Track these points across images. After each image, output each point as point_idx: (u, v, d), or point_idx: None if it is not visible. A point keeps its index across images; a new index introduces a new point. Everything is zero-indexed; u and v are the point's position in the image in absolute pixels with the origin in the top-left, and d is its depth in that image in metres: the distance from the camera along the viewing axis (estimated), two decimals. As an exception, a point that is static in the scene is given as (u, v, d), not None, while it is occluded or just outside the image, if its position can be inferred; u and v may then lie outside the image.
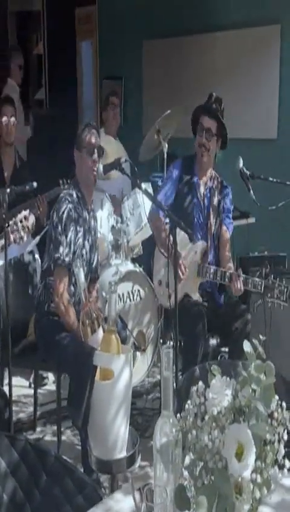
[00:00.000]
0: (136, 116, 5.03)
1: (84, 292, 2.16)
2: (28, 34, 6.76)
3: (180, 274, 2.61)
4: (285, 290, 2.46)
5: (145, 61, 5.08)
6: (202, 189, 2.83)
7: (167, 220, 2.74)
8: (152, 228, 2.96)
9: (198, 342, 2.57)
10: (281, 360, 2.86)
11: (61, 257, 2.34)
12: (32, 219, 2.04)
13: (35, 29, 6.58)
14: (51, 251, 2.37)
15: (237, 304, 2.79)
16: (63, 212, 2.36)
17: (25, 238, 2.02)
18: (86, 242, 2.48)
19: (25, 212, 2.03)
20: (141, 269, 3.23)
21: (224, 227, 2.84)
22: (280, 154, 4.03)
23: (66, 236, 2.35)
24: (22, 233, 1.98)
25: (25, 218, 2.00)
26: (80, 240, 2.43)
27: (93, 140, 2.46)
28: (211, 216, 2.81)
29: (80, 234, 2.43)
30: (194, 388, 1.06)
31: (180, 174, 2.81)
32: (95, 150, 2.45)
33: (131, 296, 3.17)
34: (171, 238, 2.35)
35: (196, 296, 2.70)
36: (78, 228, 2.41)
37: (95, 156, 2.45)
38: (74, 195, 2.45)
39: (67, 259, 2.35)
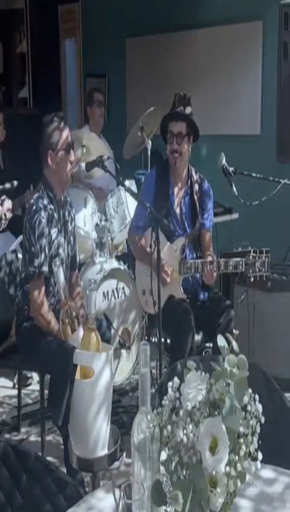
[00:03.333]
0: (120, 114, 5.02)
1: (63, 291, 2.14)
2: (11, 32, 6.71)
3: (165, 277, 2.60)
4: (266, 259, 2.48)
5: (128, 59, 5.07)
6: (177, 197, 2.80)
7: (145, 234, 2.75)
8: (130, 245, 2.98)
9: (186, 339, 2.57)
10: (265, 353, 2.90)
11: (37, 270, 2.28)
12: (8, 205, 2.00)
13: (19, 27, 6.53)
14: (26, 262, 2.32)
15: (220, 299, 2.80)
16: (35, 222, 2.28)
17: (2, 225, 1.99)
18: (63, 238, 2.42)
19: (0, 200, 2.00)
20: (126, 267, 3.23)
21: (205, 230, 2.82)
22: (263, 150, 4.04)
23: (41, 247, 2.28)
24: None
25: (1, 205, 1.97)
26: (56, 241, 2.37)
27: (68, 139, 2.34)
28: (189, 222, 2.79)
29: (54, 236, 2.36)
30: (169, 384, 1.06)
31: (155, 186, 2.78)
32: (71, 149, 2.35)
33: (116, 293, 3.16)
34: (154, 235, 2.35)
35: (180, 294, 2.70)
36: (52, 231, 2.35)
37: (72, 155, 2.36)
38: (45, 197, 2.36)
39: (43, 269, 2.30)
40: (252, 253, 2.51)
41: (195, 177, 2.83)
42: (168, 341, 2.74)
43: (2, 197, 2.01)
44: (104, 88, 5.25)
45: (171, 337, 2.67)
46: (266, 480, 1.27)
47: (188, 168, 2.83)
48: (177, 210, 2.80)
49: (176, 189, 2.81)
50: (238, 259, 2.54)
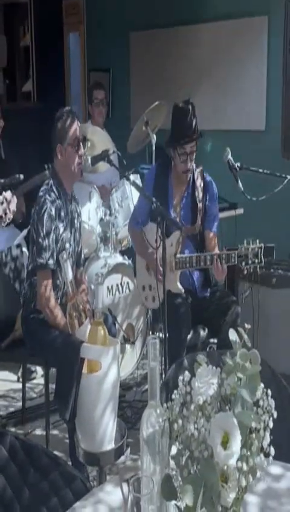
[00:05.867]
0: (124, 108, 5.00)
1: (71, 284, 2.13)
2: (14, 25, 6.68)
3: (159, 276, 2.58)
4: (258, 251, 2.46)
5: (132, 53, 5.05)
6: (176, 198, 2.76)
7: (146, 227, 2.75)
8: (131, 239, 2.96)
9: (182, 333, 2.56)
10: (270, 350, 2.89)
11: (44, 262, 2.29)
12: (14, 201, 2.00)
13: (22, 20, 6.51)
14: (34, 254, 2.32)
15: (225, 295, 2.79)
16: (43, 215, 2.29)
17: (6, 220, 1.98)
18: (70, 233, 2.43)
19: (5, 194, 1.99)
20: (130, 262, 3.22)
21: (209, 232, 2.77)
22: (268, 146, 4.02)
23: (48, 240, 2.29)
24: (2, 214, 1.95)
25: (6, 199, 1.97)
26: (64, 235, 2.37)
27: (77, 133, 2.37)
28: (187, 223, 2.74)
29: (62, 230, 2.37)
30: (180, 378, 1.05)
31: (154, 183, 2.74)
32: (80, 144, 2.38)
33: (120, 288, 3.16)
34: (159, 230, 2.35)
35: (177, 289, 2.68)
36: (60, 225, 2.35)
37: (81, 150, 2.38)
38: (54, 190, 2.37)
39: (50, 262, 2.30)
40: (245, 244, 2.49)
41: (200, 178, 2.77)
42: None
43: (7, 195, 2.00)
44: (108, 82, 5.22)
45: (168, 331, 2.65)
46: (274, 476, 1.26)
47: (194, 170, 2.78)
48: (175, 211, 2.76)
49: (175, 189, 2.77)
50: (230, 252, 2.52)
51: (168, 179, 2.76)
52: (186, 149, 2.63)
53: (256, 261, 2.45)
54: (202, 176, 2.79)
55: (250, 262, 2.46)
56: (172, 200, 2.77)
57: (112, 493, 1.23)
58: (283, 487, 1.25)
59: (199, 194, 2.76)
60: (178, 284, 2.67)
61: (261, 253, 2.45)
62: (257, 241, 2.49)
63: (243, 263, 2.47)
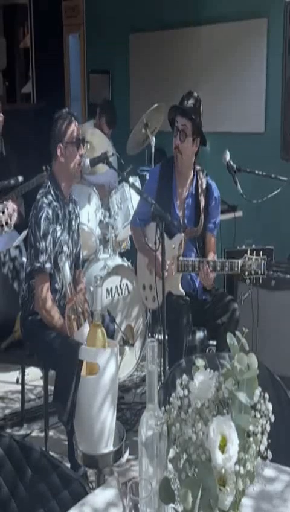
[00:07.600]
0: (123, 110, 5.01)
1: (69, 286, 2.14)
2: (14, 27, 6.69)
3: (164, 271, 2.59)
4: (262, 262, 2.46)
5: (132, 55, 5.06)
6: (180, 198, 2.76)
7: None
8: (133, 237, 2.97)
9: (182, 335, 2.56)
10: (269, 352, 2.90)
11: (42, 266, 2.29)
12: (13, 209, 2.01)
13: (22, 22, 6.52)
14: (32, 257, 2.33)
15: (223, 295, 2.79)
16: (40, 218, 2.29)
17: (6, 229, 1.99)
18: (68, 236, 2.43)
19: (6, 204, 2.00)
20: (129, 263, 3.23)
21: (209, 234, 2.78)
22: (267, 148, 4.03)
23: (46, 243, 2.29)
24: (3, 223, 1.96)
25: (7, 209, 1.98)
26: (61, 238, 2.38)
27: (76, 133, 2.38)
28: (190, 224, 2.74)
29: (60, 232, 2.37)
30: (178, 381, 1.06)
31: (158, 183, 2.75)
32: (80, 144, 2.39)
33: (119, 290, 3.16)
34: (158, 232, 2.35)
35: (178, 292, 2.69)
36: (57, 227, 2.35)
37: (81, 149, 2.39)
38: (51, 193, 2.37)
39: (48, 265, 2.31)
40: (248, 254, 2.49)
41: (203, 180, 2.77)
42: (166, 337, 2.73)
43: (8, 204, 2.01)
44: (108, 84, 5.23)
45: (168, 333, 2.66)
46: (267, 478, 1.26)
47: (195, 169, 2.78)
48: (179, 212, 2.77)
49: (179, 189, 2.78)
50: (233, 260, 2.52)
51: (172, 180, 2.76)
52: (178, 124, 2.67)
53: (259, 272, 2.45)
54: (204, 177, 2.80)
55: (253, 273, 2.46)
56: (176, 201, 2.77)
57: (109, 496, 1.23)
58: (275, 489, 1.25)
59: (202, 195, 2.77)
60: (180, 286, 2.68)
61: (265, 265, 2.46)
62: (261, 253, 2.49)
63: (246, 273, 2.47)
